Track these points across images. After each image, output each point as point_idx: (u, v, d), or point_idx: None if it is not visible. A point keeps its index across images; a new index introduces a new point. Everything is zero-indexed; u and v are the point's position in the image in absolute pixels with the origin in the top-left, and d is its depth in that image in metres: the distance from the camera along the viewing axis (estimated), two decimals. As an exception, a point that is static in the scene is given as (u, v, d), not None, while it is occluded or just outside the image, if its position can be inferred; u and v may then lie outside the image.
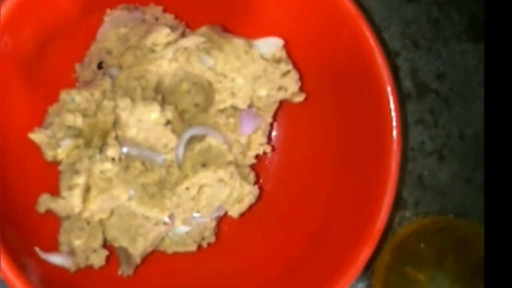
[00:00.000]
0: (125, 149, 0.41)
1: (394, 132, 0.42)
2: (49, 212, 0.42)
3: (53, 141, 0.41)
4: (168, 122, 0.41)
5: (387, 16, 0.57)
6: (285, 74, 0.44)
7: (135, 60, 0.42)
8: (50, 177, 0.43)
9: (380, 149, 0.43)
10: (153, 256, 0.45)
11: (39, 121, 0.44)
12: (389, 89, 0.43)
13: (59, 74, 0.45)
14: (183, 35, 0.44)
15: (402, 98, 0.55)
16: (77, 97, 0.42)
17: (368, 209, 0.43)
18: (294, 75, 0.44)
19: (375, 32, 0.43)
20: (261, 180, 0.49)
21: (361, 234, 0.42)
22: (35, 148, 0.42)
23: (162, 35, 0.42)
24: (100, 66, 0.45)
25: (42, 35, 0.43)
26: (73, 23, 0.44)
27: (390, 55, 0.56)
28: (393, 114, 0.43)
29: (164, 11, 0.46)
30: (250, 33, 0.45)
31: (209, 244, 0.46)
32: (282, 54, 0.44)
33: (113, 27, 0.44)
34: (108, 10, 0.45)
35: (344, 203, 0.45)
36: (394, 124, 0.43)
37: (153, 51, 0.42)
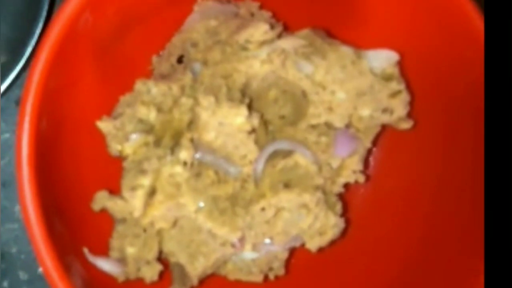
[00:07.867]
0: (198, 154, 0.38)
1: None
2: (104, 212, 0.39)
3: (121, 133, 0.38)
4: (253, 130, 0.37)
5: None
6: (395, 94, 0.39)
7: (223, 56, 0.39)
8: (112, 174, 0.40)
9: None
10: (211, 279, 0.41)
11: (108, 110, 0.40)
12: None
13: (134, 63, 0.43)
14: (280, 36, 0.40)
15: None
16: (153, 89, 0.38)
17: (466, 264, 0.38)
18: (404, 97, 0.39)
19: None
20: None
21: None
22: (99, 139, 0.39)
23: (259, 31, 0.38)
24: (180, 60, 0.42)
25: (124, 18, 0.40)
26: (158, 10, 0.41)
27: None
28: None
29: (261, 7, 0.42)
30: (357, 42, 0.41)
31: (276, 277, 0.42)
32: (395, 71, 0.39)
33: (202, 19, 0.41)
34: (199, 0, 0.42)
35: (439, 253, 0.41)
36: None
37: (245, 48, 0.38)
